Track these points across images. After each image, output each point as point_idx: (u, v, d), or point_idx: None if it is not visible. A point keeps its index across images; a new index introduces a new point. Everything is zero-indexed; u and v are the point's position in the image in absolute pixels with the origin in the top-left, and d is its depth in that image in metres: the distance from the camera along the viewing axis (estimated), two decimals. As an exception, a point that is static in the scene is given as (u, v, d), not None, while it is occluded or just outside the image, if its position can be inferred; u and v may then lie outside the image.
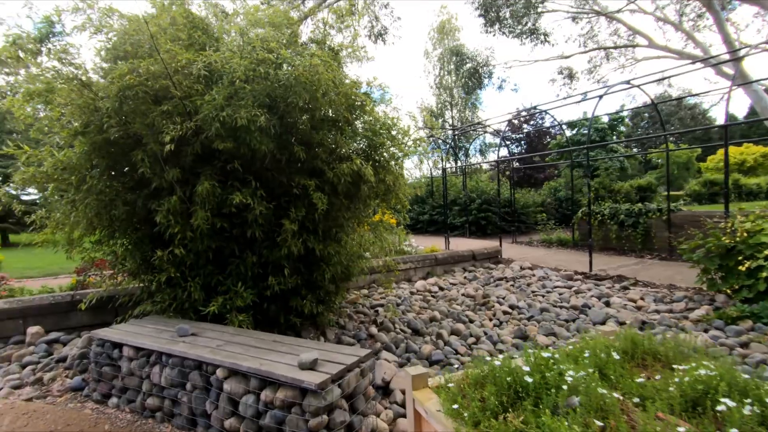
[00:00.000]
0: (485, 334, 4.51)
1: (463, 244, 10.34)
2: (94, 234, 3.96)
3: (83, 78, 3.43)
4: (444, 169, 11.19)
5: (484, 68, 15.46)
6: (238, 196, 3.19)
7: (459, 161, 14.92)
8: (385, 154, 4.44)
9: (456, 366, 3.80)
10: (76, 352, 4.13)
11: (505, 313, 5.24)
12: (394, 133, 4.33)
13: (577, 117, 21.33)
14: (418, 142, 4.69)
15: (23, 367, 4.07)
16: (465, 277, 7.63)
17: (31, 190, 4.00)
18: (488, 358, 1.79)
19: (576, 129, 21.40)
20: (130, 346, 3.08)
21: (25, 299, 4.81)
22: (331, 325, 4.71)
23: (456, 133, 14.86)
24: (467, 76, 15.93)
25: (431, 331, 4.73)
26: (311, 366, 2.36)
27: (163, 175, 3.23)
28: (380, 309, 5.61)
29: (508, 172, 17.97)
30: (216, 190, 3.27)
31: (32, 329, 4.60)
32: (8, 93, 4.33)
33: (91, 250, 4.34)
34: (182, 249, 3.36)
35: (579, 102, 9.41)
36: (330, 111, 3.69)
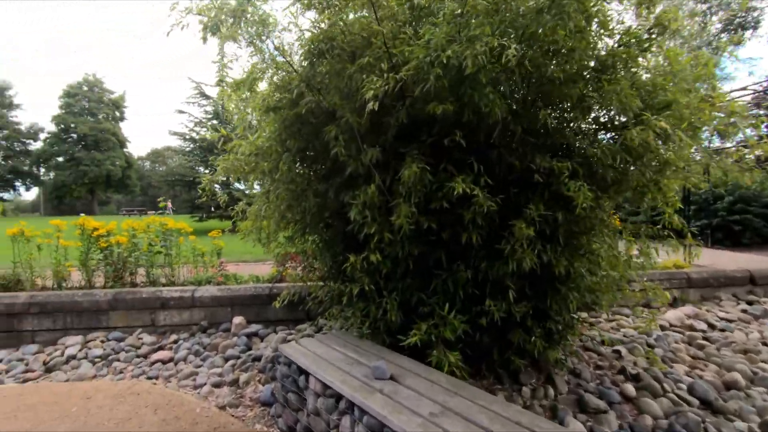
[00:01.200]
0: None
1: (717, 258, 7.39)
2: (286, 229, 3.56)
3: (280, 52, 2.94)
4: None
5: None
6: (460, 184, 2.14)
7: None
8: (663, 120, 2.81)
9: None
10: (269, 355, 3.86)
11: None
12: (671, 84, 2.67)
13: None
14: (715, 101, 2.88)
15: (226, 360, 4.01)
16: (744, 311, 5.11)
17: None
18: None
19: None
20: (316, 378, 2.38)
21: (233, 288, 4.93)
22: (560, 368, 3.34)
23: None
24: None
25: (738, 409, 2.87)
26: None
27: (360, 156, 2.43)
28: (621, 349, 3.93)
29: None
30: (425, 176, 2.30)
31: (236, 319, 4.64)
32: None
33: (285, 245, 4.04)
34: (378, 254, 2.53)
35: None
36: (596, 50, 2.32)
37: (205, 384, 3.53)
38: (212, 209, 16.98)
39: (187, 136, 18.92)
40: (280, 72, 2.73)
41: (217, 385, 3.53)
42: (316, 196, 2.80)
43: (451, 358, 2.42)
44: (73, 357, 4.16)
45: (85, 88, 44.77)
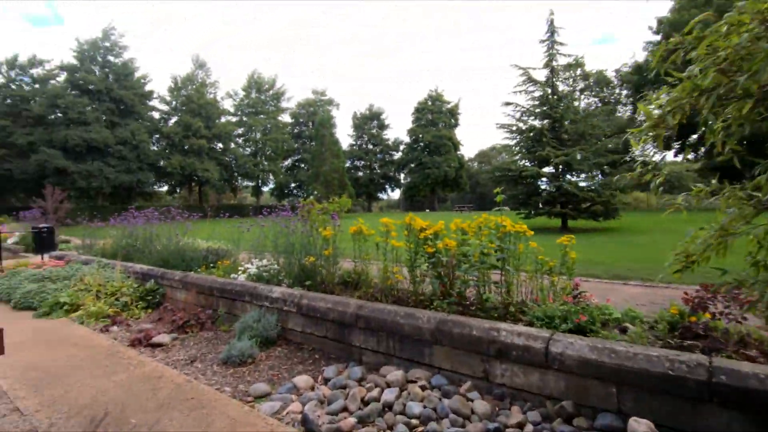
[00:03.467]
0: None
1: None
2: None
3: None
4: None
5: None
6: None
7: None
8: None
9: None
10: None
11: None
12: None
13: None
14: None
15: None
16: None
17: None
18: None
19: None
20: None
21: (619, 351, 2.62)
22: None
23: None
24: None
25: None
26: None
27: None
28: None
29: None
30: None
31: (636, 425, 2.31)
32: None
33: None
34: None
35: None
36: None
37: None
38: (540, 205, 15.07)
39: (514, 128, 17.86)
40: None
41: None
42: None
43: None
44: (390, 407, 3.06)
45: (429, 103, 53.29)
